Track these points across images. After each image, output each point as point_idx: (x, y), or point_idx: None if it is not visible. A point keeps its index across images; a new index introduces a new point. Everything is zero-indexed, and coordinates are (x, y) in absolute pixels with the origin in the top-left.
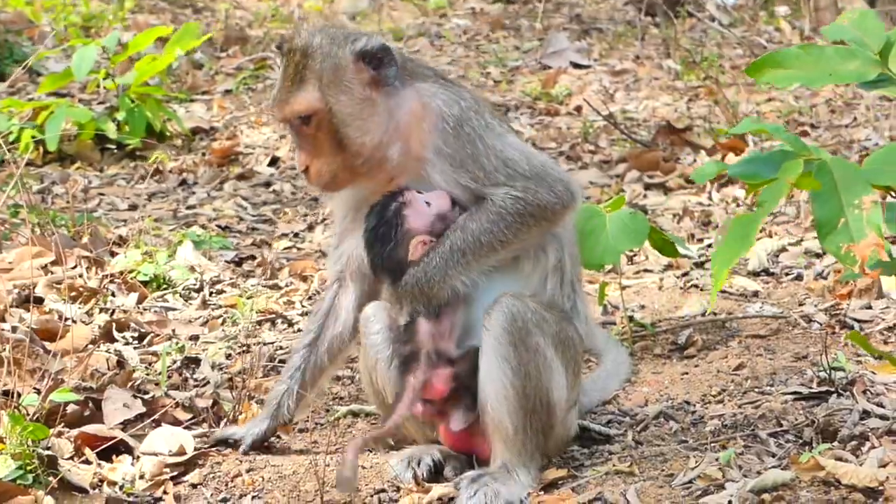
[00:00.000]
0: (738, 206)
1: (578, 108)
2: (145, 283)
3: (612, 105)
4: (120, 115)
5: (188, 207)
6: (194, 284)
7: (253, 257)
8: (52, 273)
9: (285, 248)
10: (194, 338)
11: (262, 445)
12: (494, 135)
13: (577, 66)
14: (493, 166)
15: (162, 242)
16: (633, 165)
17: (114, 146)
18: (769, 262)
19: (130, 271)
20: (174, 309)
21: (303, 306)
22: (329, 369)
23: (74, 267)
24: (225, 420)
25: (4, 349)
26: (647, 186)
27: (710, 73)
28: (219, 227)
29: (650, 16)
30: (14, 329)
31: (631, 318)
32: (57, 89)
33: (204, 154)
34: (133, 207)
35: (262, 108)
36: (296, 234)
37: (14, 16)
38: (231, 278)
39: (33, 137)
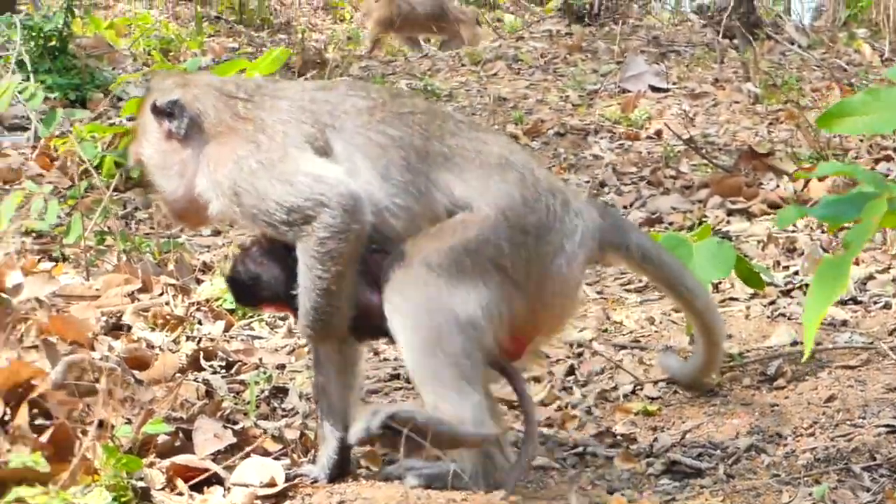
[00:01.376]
0: (822, 232)
1: (658, 133)
2: (231, 311)
3: (692, 129)
4: None
5: None
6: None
7: None
8: (138, 300)
9: None
10: (281, 367)
11: (340, 474)
12: (267, 175)
13: (655, 89)
14: (275, 212)
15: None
16: (715, 191)
17: None
18: (857, 290)
19: (216, 299)
20: (260, 337)
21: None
22: (344, 379)
23: (161, 294)
24: (312, 451)
25: (99, 380)
26: (730, 212)
27: (790, 97)
28: None
29: (728, 38)
30: (104, 358)
31: None
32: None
33: None
34: (216, 233)
35: None
36: None
37: (94, 41)
38: None
39: (115, 163)
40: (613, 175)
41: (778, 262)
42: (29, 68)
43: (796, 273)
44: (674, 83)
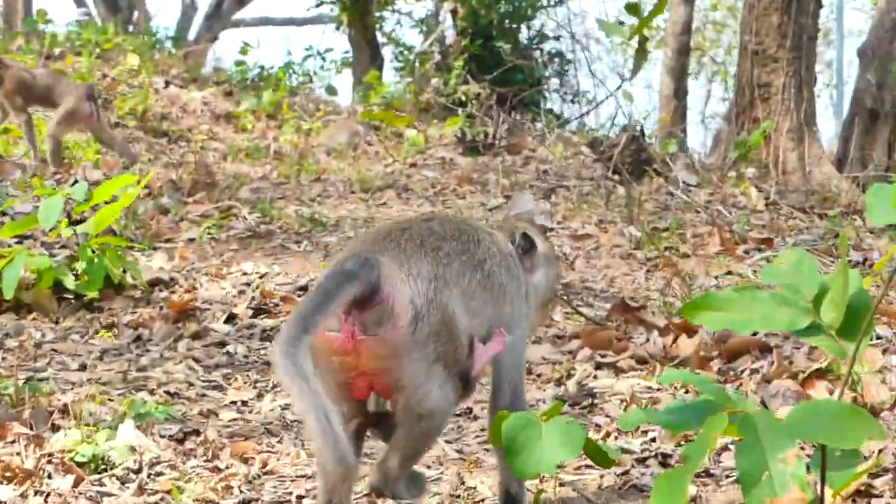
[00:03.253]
0: (685, 392)
1: None
2: (83, 465)
3: (571, 273)
4: (79, 266)
5: (139, 369)
6: (133, 466)
7: (197, 432)
8: None
9: (231, 420)
10: None
11: None
12: None
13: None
14: None
15: (107, 411)
16: (586, 343)
17: (72, 296)
18: (710, 461)
19: (70, 450)
20: (111, 494)
21: (241, 492)
22: None
23: (13, 442)
24: None
25: None
26: (598, 366)
27: (670, 243)
28: (167, 392)
29: (618, 174)
30: None
31: None
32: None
33: (161, 308)
34: (83, 367)
35: (223, 260)
36: (244, 403)
37: None
38: (171, 459)
39: None
40: None
41: (637, 427)
42: None
43: (654, 440)
44: (559, 222)
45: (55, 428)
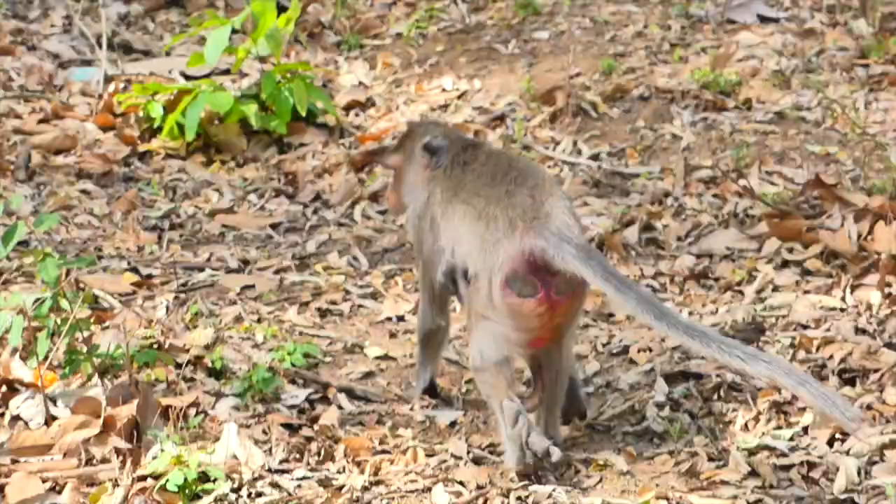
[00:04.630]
0: (870, 316)
1: (748, 104)
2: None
3: (786, 94)
4: (264, 96)
5: (301, 261)
6: (234, 484)
7: (327, 399)
8: (90, 458)
9: (375, 359)
10: None
11: None
12: None
13: (764, 19)
14: None
15: (241, 360)
16: (773, 233)
17: (260, 130)
18: None
19: (161, 474)
20: None
21: None
22: None
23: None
24: None
25: None
26: (784, 263)
27: None
28: (318, 310)
29: None
30: None
31: None
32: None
33: (350, 147)
34: (243, 264)
35: (425, 70)
36: (400, 319)
37: None
38: (277, 470)
39: (177, 122)
40: (682, 176)
41: (791, 402)
42: None
43: (805, 429)
44: (786, 9)
45: (165, 414)
